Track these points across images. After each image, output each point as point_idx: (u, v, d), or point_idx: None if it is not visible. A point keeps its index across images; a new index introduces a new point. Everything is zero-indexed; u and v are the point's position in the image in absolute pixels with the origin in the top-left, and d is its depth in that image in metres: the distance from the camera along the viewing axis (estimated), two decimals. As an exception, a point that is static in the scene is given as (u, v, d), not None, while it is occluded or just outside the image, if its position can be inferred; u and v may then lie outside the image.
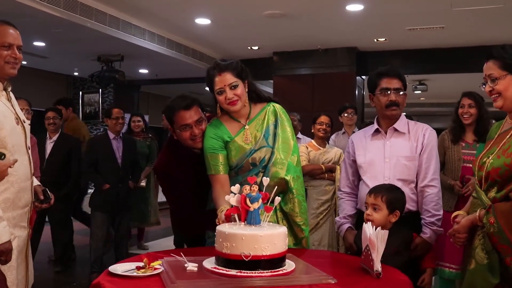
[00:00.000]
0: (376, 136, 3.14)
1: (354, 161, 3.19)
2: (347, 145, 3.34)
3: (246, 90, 2.86)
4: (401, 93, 3.03)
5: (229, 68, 2.79)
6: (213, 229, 2.61)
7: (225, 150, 2.87)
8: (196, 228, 3.04)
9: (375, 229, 2.24)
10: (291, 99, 9.41)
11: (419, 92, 13.52)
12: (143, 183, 6.78)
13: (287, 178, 2.79)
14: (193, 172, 2.96)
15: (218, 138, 2.86)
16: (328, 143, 5.73)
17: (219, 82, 2.77)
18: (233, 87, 2.77)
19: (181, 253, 2.34)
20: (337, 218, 3.26)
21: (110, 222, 5.84)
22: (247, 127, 2.90)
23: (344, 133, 6.40)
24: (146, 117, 12.38)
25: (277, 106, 2.98)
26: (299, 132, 6.34)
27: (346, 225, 3.16)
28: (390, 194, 2.78)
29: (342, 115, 6.35)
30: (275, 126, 2.91)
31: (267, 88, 12.00)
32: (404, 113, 3.21)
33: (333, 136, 6.42)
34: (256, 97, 2.96)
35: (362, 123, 7.31)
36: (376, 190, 2.81)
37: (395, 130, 3.08)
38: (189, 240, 3.24)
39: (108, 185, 5.68)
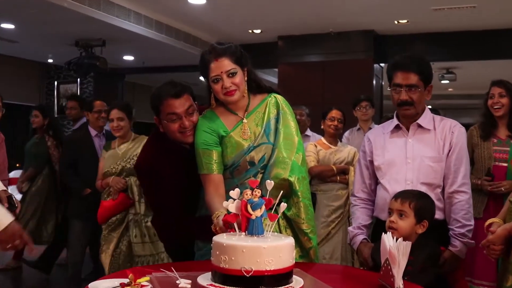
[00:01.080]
0: (396, 133, 3.13)
1: (371, 162, 3.19)
2: (362, 143, 3.33)
3: (246, 78, 2.87)
4: (418, 88, 2.99)
5: (227, 53, 2.78)
6: (204, 238, 2.60)
7: (219, 147, 2.87)
8: (184, 237, 3.03)
9: (396, 240, 2.23)
10: (298, 90, 9.41)
11: (447, 82, 13.51)
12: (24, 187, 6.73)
13: (291, 179, 2.79)
14: (182, 171, 2.96)
15: (212, 132, 2.87)
16: (341, 141, 5.72)
17: (216, 69, 2.77)
18: (231, 74, 2.78)
19: (172, 268, 2.33)
20: (349, 228, 3.25)
21: (90, 232, 5.83)
22: (245, 120, 2.90)
23: (359, 129, 6.39)
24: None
25: (279, 97, 2.99)
26: (308, 129, 6.33)
27: (360, 237, 3.14)
28: (419, 201, 2.77)
29: (356, 108, 6.34)
30: (277, 120, 2.92)
31: (271, 77, 12.00)
32: (429, 106, 3.20)
33: (346, 133, 6.42)
34: (256, 87, 2.97)
35: (381, 118, 7.30)
36: (404, 195, 2.80)
37: (419, 126, 3.07)
38: (173, 252, 3.24)
39: (89, 189, 5.67)
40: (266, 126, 2.89)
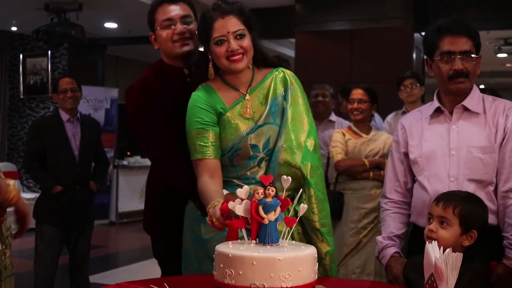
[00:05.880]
0: (437, 118, 3.11)
1: (406, 155, 3.18)
2: (395, 131, 3.32)
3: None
4: (472, 56, 2.97)
5: (235, 11, 2.86)
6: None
7: (217, 127, 2.93)
8: (176, 190, 3.14)
9: (444, 251, 2.21)
10: (320, 65, 9.39)
11: (504, 55, 13.47)
12: None
13: (303, 167, 2.82)
14: (180, 107, 3.03)
15: (209, 109, 2.92)
16: (380, 127, 5.67)
17: (221, 28, 2.83)
18: (239, 36, 2.84)
19: (165, 283, 2.33)
20: (378, 238, 3.23)
21: (63, 239, 5.85)
22: (247, 97, 2.96)
23: (404, 113, 6.31)
24: (115, 91, 12.54)
25: (288, 72, 3.06)
26: (333, 113, 6.31)
27: (391, 249, 3.13)
28: (467, 206, 2.73)
29: (400, 88, 6.27)
30: (285, 98, 2.98)
31: (286, 50, 11.99)
32: (482, 86, 3.17)
33: (389, 117, 6.37)
34: (262, 60, 3.05)
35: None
36: (447, 198, 2.77)
37: (465, 109, 3.04)
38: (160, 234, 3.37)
39: (60, 187, 5.68)
40: (271, 104, 2.97)
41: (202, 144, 2.87)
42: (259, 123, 2.92)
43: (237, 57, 2.83)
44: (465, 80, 2.98)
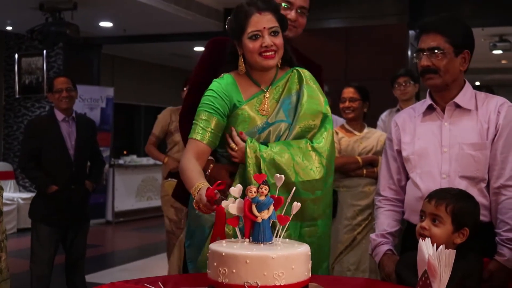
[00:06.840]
0: (429, 116, 3.12)
1: (399, 152, 3.18)
2: (388, 129, 3.33)
3: None
4: (442, 52, 2.95)
5: (271, 8, 2.92)
6: None
7: (224, 119, 2.96)
8: None
9: (437, 247, 2.22)
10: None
11: (500, 52, 13.41)
12: None
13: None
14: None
15: (225, 99, 2.95)
16: (375, 125, 5.67)
17: (257, 23, 2.87)
18: (273, 33, 2.89)
19: (159, 282, 2.33)
20: (372, 236, 3.24)
21: (59, 239, 5.85)
22: (267, 94, 3.01)
23: (398, 110, 6.32)
24: (111, 90, 12.53)
25: (304, 71, 3.10)
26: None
27: (384, 247, 3.14)
28: (459, 203, 2.73)
29: (395, 86, 6.28)
30: (298, 97, 3.02)
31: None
32: (478, 83, 3.17)
33: (383, 115, 6.38)
34: (288, 60, 3.10)
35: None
36: (439, 196, 2.76)
37: (457, 106, 3.04)
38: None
39: (55, 186, 5.68)
40: (283, 102, 3.00)
41: (203, 127, 2.89)
42: (269, 120, 2.96)
43: (270, 53, 2.88)
44: (434, 76, 2.98)
